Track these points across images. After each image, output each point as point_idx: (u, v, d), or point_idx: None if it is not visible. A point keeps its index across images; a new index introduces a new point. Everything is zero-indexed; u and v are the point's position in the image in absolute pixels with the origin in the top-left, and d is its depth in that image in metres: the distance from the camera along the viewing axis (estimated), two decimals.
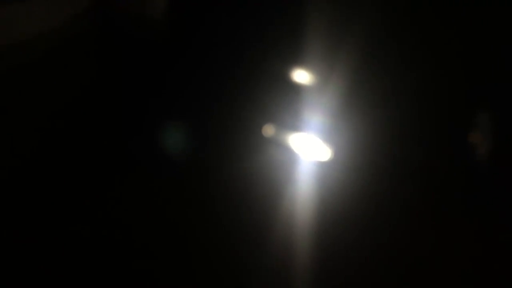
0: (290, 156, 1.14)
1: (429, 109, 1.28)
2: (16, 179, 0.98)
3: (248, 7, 1.31)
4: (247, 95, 1.21)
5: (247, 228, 0.99)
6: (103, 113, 1.11)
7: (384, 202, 1.07)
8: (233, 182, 1.06)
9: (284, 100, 1.21)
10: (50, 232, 0.95)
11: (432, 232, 1.04)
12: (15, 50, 1.14)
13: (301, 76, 1.27)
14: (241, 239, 0.96)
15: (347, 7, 1.35)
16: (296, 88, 1.25)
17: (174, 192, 1.05)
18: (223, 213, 1.01)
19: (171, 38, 1.42)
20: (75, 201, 0.97)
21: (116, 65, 1.23)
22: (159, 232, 0.99)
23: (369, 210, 1.07)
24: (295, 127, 1.16)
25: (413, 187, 1.11)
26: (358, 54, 1.26)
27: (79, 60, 1.24)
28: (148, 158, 1.11)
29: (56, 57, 1.24)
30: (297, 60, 1.28)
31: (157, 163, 1.11)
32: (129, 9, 1.40)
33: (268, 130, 1.16)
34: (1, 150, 0.99)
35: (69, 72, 1.22)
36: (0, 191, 0.98)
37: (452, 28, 1.28)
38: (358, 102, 1.21)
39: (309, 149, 1.15)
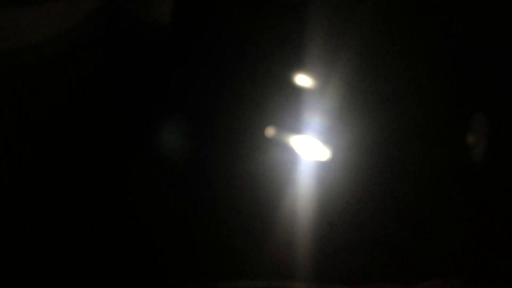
0: (290, 157, 1.15)
1: (427, 110, 1.29)
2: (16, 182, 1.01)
3: (249, 10, 1.34)
4: (249, 97, 1.24)
5: (247, 226, 1.00)
6: (106, 114, 1.15)
7: (383, 201, 1.08)
8: (235, 181, 1.07)
9: (284, 102, 1.23)
10: (55, 233, 0.98)
11: (431, 230, 1.05)
12: (21, 53, 1.18)
13: (301, 78, 1.28)
14: (242, 238, 0.98)
15: (347, 11, 1.37)
16: (296, 90, 1.26)
17: (174, 191, 1.07)
18: (224, 212, 1.03)
19: (175, 40, 1.46)
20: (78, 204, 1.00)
21: (122, 66, 1.26)
22: (160, 232, 1.01)
23: (368, 209, 1.08)
24: (295, 128, 1.17)
25: (412, 186, 1.12)
26: (357, 56, 1.27)
27: (85, 63, 1.28)
28: (149, 158, 1.13)
29: (64, 60, 1.27)
30: (297, 62, 1.30)
31: (158, 163, 1.13)
32: (135, 11, 1.44)
33: (270, 131, 1.17)
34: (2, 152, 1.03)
35: (74, 75, 1.26)
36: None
37: (450, 32, 1.32)
38: (357, 104, 1.22)
39: (309, 150, 1.16)
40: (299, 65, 1.22)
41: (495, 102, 1.14)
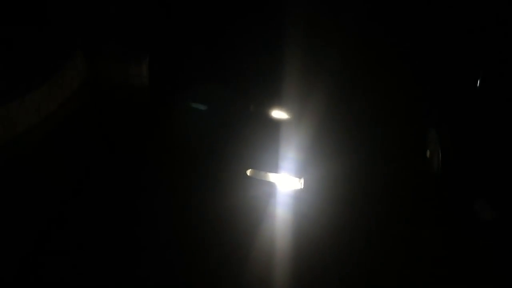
0: (269, 190, 1.24)
1: (390, 134, 1.41)
2: None
3: (227, 58, 1.47)
4: (232, 140, 1.35)
5: (230, 249, 1.11)
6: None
7: (356, 225, 1.16)
8: (220, 213, 1.16)
9: (263, 141, 1.33)
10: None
11: (404, 248, 1.13)
12: (15, 141, 1.28)
13: (277, 116, 1.41)
14: (224, 262, 1.09)
15: (319, 52, 1.54)
16: (273, 129, 1.37)
17: (166, 222, 1.19)
18: (210, 238, 1.14)
19: (156, 98, 1.59)
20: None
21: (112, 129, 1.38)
22: (149, 263, 1.07)
23: (340, 233, 1.15)
24: (273, 165, 1.27)
25: (380, 209, 1.21)
26: (327, 95, 1.42)
27: (77, 136, 1.39)
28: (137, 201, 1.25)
29: (56, 138, 1.37)
30: (273, 103, 1.42)
31: (148, 203, 1.25)
32: (116, 80, 1.55)
33: (250, 170, 1.27)
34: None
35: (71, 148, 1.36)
36: None
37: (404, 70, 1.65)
38: (326, 139, 1.34)
39: (285, 183, 1.26)
40: (275, 105, 1.35)
41: (445, 122, 1.25)
